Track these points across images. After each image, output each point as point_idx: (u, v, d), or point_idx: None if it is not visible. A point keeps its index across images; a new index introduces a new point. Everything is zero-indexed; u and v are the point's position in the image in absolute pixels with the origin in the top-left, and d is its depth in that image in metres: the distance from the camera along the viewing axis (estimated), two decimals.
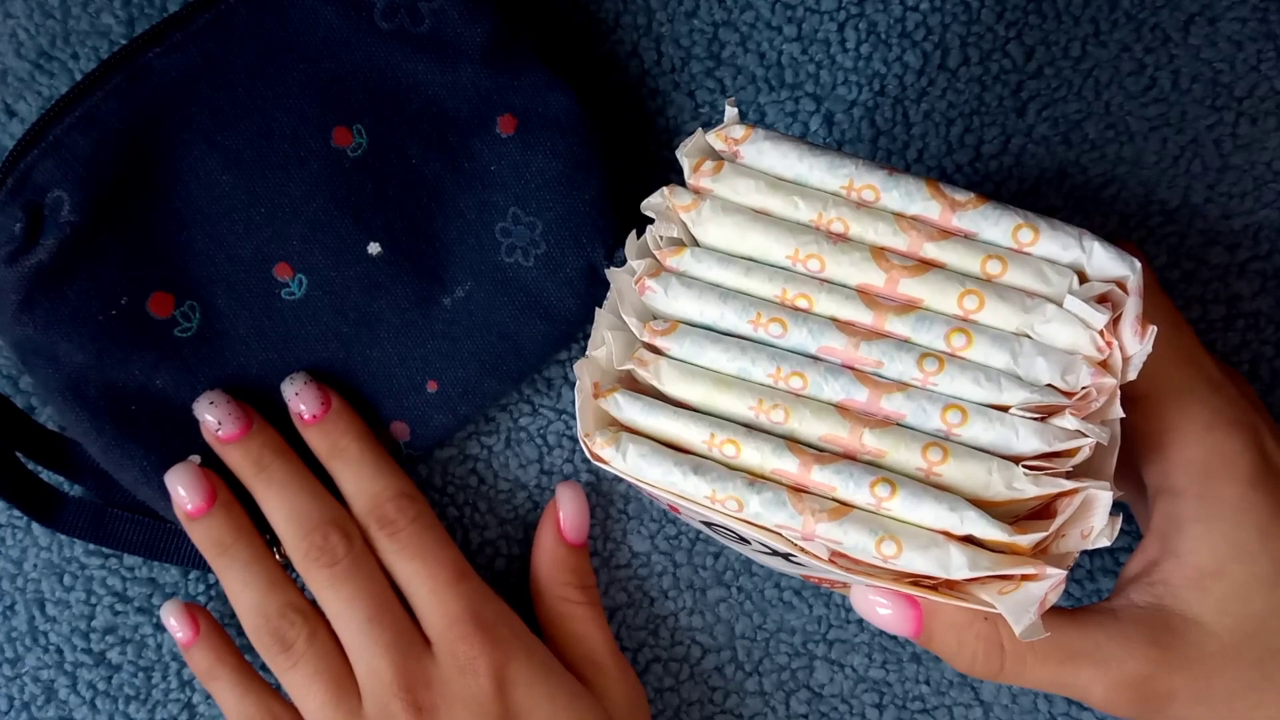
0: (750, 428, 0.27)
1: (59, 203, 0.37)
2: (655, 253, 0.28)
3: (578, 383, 0.28)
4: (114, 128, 0.37)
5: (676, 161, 0.43)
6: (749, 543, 0.29)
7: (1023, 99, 0.42)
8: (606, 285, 0.40)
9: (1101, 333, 0.26)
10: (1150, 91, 0.42)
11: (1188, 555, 0.31)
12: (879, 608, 0.30)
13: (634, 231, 0.30)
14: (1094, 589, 0.43)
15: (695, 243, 0.29)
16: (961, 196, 0.27)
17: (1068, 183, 0.42)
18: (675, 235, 0.29)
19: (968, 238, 0.27)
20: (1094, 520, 0.26)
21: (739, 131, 0.28)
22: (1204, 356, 0.34)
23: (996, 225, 0.27)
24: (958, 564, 0.25)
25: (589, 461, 0.43)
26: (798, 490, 0.26)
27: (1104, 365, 0.27)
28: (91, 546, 0.43)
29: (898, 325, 0.27)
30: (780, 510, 0.26)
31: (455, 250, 0.40)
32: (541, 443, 0.43)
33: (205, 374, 0.39)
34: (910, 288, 0.27)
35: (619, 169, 0.41)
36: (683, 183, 0.29)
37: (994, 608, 0.26)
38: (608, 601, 0.43)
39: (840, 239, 0.28)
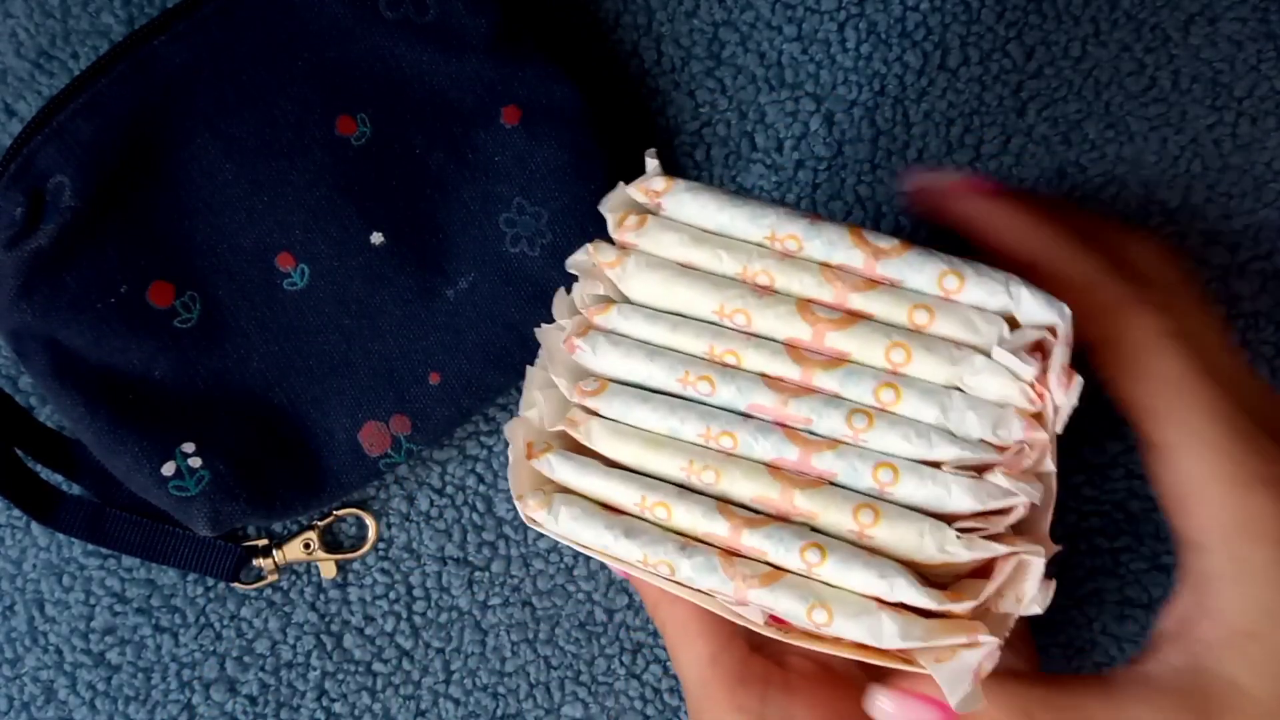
0: (683, 488, 0.27)
1: (60, 188, 0.37)
2: (583, 311, 0.28)
3: (510, 444, 0.28)
4: (117, 115, 0.37)
5: (677, 162, 0.43)
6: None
7: (1023, 99, 0.42)
8: None
9: (1032, 384, 0.26)
10: (1150, 91, 0.42)
11: (1221, 614, 0.30)
12: (883, 713, 0.28)
13: (561, 289, 0.30)
14: (1093, 588, 0.43)
15: (623, 299, 0.28)
16: (885, 244, 0.27)
17: (1068, 183, 0.42)
18: (602, 293, 0.28)
19: (893, 285, 0.27)
20: (1027, 585, 0.26)
21: (660, 184, 0.28)
22: (1229, 398, 0.31)
23: (921, 272, 0.26)
24: (889, 633, 0.25)
25: None
26: (730, 554, 0.26)
27: (1037, 417, 0.26)
28: (90, 547, 0.43)
29: (826, 380, 0.27)
30: (711, 575, 0.26)
31: (459, 241, 0.40)
32: None
33: (205, 365, 0.39)
34: (837, 341, 0.27)
35: (619, 168, 0.41)
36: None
37: (927, 671, 0.25)
38: (608, 603, 0.43)
39: (766, 291, 0.27)
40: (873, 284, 0.27)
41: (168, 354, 0.39)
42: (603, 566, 0.43)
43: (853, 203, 0.43)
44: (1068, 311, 0.26)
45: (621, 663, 0.43)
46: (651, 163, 0.29)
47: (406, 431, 0.40)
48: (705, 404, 0.27)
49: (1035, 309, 0.26)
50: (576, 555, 0.43)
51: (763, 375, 0.27)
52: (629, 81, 0.43)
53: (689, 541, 0.26)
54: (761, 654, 0.32)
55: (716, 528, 0.26)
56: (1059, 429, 0.26)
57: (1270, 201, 0.42)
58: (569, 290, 0.30)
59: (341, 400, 0.40)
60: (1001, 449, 0.26)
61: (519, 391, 0.43)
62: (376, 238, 0.40)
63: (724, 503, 0.27)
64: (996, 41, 0.42)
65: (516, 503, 0.28)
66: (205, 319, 0.39)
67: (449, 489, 0.43)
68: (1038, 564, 0.26)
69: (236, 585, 0.43)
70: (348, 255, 0.40)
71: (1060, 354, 0.26)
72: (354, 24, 0.38)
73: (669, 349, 0.28)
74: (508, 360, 0.40)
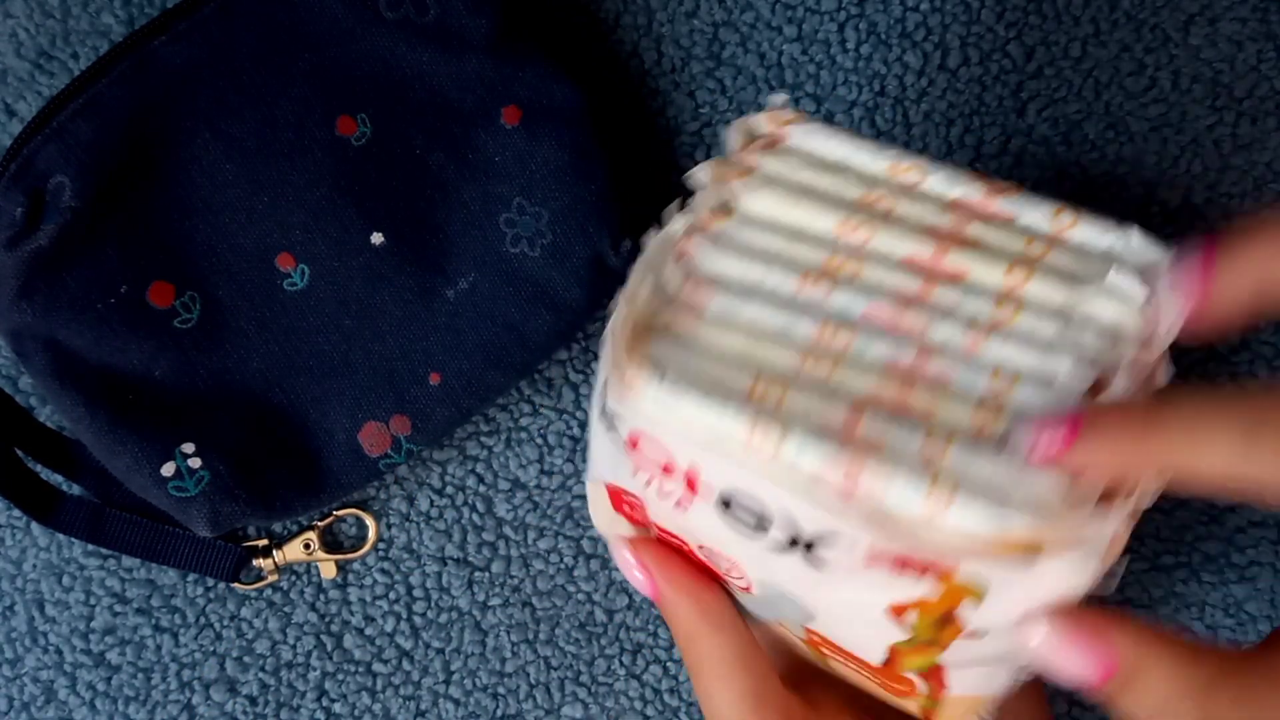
0: (793, 379, 0.26)
1: (60, 188, 0.37)
2: (701, 215, 0.28)
3: (611, 322, 0.26)
4: (118, 115, 0.37)
5: (676, 162, 0.43)
6: (762, 531, 0.26)
7: (1023, 99, 0.42)
8: (613, 275, 0.40)
9: (1143, 309, 0.26)
10: (1150, 91, 0.42)
11: None
12: (1049, 645, 0.25)
13: (675, 202, 0.29)
14: None
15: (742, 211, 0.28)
16: (1002, 183, 0.28)
17: (1068, 183, 0.42)
18: (722, 201, 0.28)
19: (1009, 220, 0.28)
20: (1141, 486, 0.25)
21: (789, 114, 0.29)
22: None
23: (1037, 209, 0.27)
24: (1017, 516, 0.23)
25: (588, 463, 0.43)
26: (844, 438, 0.25)
27: (1147, 342, 0.26)
28: (90, 547, 0.43)
29: (945, 294, 0.27)
30: (825, 443, 0.24)
31: (459, 241, 0.40)
32: (542, 443, 0.43)
33: (205, 365, 0.39)
34: (957, 260, 0.27)
35: (619, 168, 0.41)
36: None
37: (1039, 552, 0.24)
38: (608, 604, 0.43)
39: (887, 215, 0.28)
40: (990, 217, 0.28)
41: (168, 354, 0.39)
42: (603, 567, 0.43)
43: None
44: (1172, 249, 0.27)
45: (621, 663, 0.43)
46: (779, 97, 0.29)
47: (406, 432, 0.40)
48: (820, 308, 0.27)
49: (1144, 247, 0.27)
50: (576, 556, 0.43)
51: (880, 286, 0.27)
52: (629, 81, 0.43)
53: (800, 418, 0.25)
54: (797, 693, 0.31)
55: (833, 415, 0.25)
56: (1168, 340, 0.26)
57: (1270, 201, 0.42)
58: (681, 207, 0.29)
59: (341, 400, 0.40)
60: (1114, 368, 0.26)
61: (519, 391, 0.43)
62: (376, 238, 0.40)
63: (841, 394, 0.25)
64: (996, 41, 0.42)
65: (614, 371, 0.25)
66: (205, 319, 0.39)
67: (449, 489, 0.43)
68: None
69: (236, 585, 0.43)
70: (348, 255, 0.40)
71: (1166, 284, 0.26)
72: (354, 24, 0.38)
73: (785, 257, 0.27)
74: (508, 360, 0.40)
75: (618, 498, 0.30)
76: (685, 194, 0.30)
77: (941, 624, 0.27)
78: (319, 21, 0.38)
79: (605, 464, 0.29)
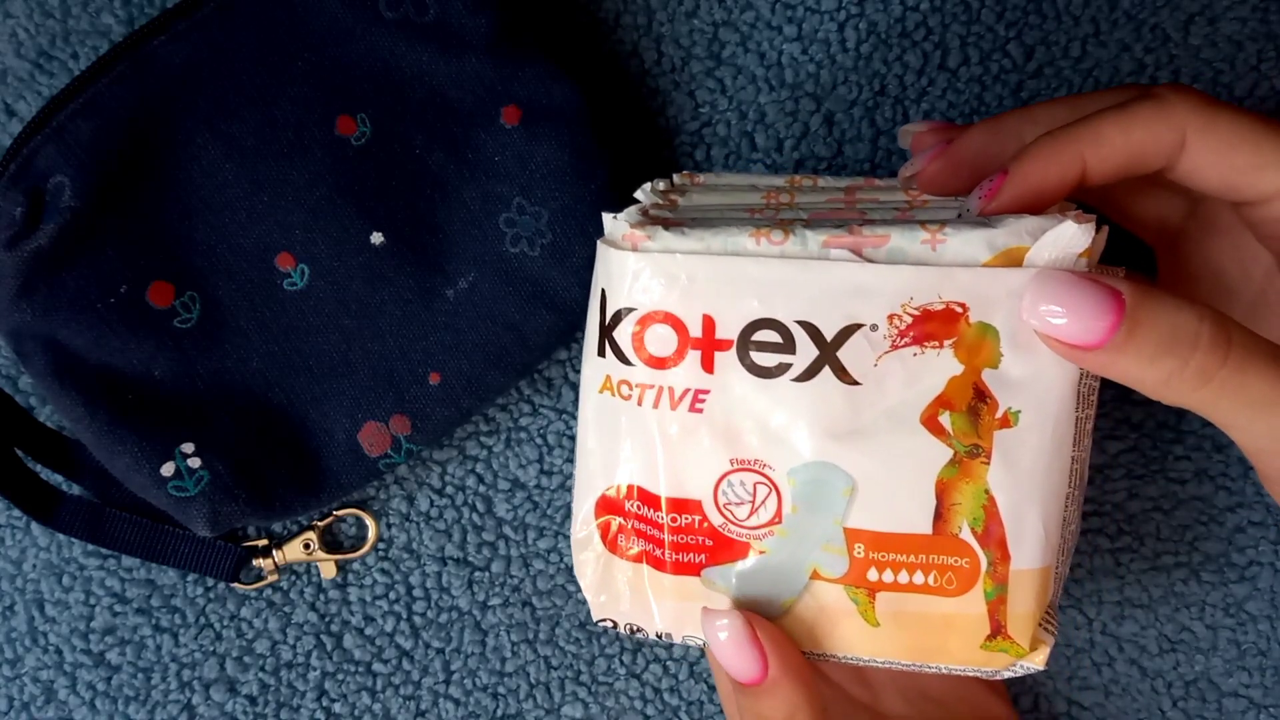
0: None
1: (60, 188, 0.37)
2: (645, 205, 0.31)
3: (604, 222, 0.29)
4: (117, 115, 0.37)
5: (676, 162, 0.43)
6: (789, 355, 0.27)
7: (1023, 99, 0.42)
8: None
9: None
10: None
11: None
12: (1053, 317, 0.25)
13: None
14: (1093, 588, 0.43)
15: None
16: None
17: None
18: (661, 203, 0.32)
19: (893, 188, 0.33)
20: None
21: (695, 174, 0.34)
22: None
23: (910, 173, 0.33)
24: (1001, 236, 0.26)
25: None
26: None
27: None
28: (90, 547, 0.43)
29: (867, 201, 0.31)
30: (825, 225, 0.27)
31: (459, 241, 0.40)
32: (541, 443, 0.43)
33: (204, 365, 0.39)
34: (867, 194, 0.32)
35: (619, 168, 0.41)
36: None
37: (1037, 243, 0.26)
38: None
39: (800, 190, 0.32)
40: (877, 188, 0.33)
41: (167, 354, 0.39)
42: None
43: None
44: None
45: (621, 663, 0.43)
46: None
47: (406, 432, 0.40)
48: (772, 216, 0.30)
49: None
50: None
51: (816, 207, 0.31)
52: (629, 81, 0.43)
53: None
54: None
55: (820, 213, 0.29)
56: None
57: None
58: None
59: (341, 400, 0.40)
60: None
61: (519, 391, 0.43)
62: (376, 238, 0.40)
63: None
64: (996, 41, 0.42)
65: (616, 247, 0.28)
66: (205, 319, 0.39)
67: (449, 489, 0.43)
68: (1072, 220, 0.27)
69: (236, 585, 0.43)
70: (348, 255, 0.40)
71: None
72: (354, 24, 0.38)
73: (733, 206, 0.31)
74: (508, 360, 0.40)
75: (608, 514, 0.30)
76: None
77: (975, 412, 0.27)
78: (319, 21, 0.38)
79: (599, 453, 0.30)
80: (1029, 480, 0.28)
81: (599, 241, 0.29)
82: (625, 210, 0.30)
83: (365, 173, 0.39)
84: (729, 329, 0.27)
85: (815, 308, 0.27)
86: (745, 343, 0.28)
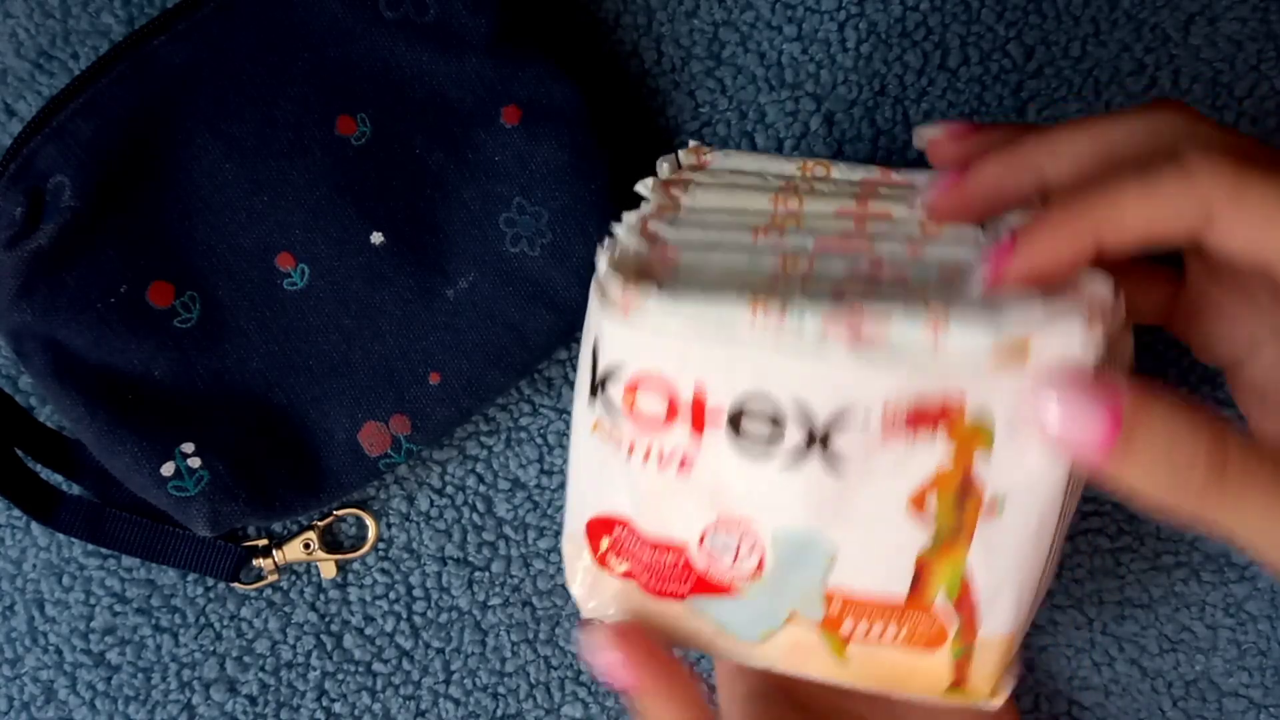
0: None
1: (60, 188, 0.37)
2: (651, 208, 0.31)
3: (595, 277, 0.28)
4: (117, 115, 0.37)
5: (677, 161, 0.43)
6: (778, 438, 0.27)
7: (1023, 99, 0.42)
8: None
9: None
10: (1150, 91, 0.42)
11: None
12: (1049, 420, 0.24)
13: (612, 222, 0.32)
14: (1092, 588, 0.43)
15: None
16: (894, 167, 0.33)
17: None
18: (665, 202, 0.31)
19: (908, 185, 0.32)
20: (1096, 288, 0.26)
21: (708, 149, 0.34)
22: None
23: (928, 174, 0.32)
24: (1009, 319, 0.25)
25: None
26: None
27: None
28: (90, 547, 0.43)
29: (878, 225, 0.30)
30: (824, 301, 0.26)
31: (459, 241, 0.40)
32: (542, 442, 0.43)
33: (204, 365, 0.39)
34: (879, 205, 0.31)
35: (619, 168, 0.41)
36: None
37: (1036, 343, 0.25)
38: None
39: (810, 190, 0.32)
40: (892, 184, 0.32)
41: (167, 354, 0.39)
42: None
43: None
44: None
45: None
46: (693, 143, 0.35)
47: (406, 431, 0.40)
48: (776, 247, 0.29)
49: None
50: None
51: (823, 229, 0.30)
52: (629, 81, 0.43)
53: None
54: None
55: (821, 291, 0.27)
56: None
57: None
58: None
59: (341, 400, 0.40)
60: None
61: (519, 391, 0.43)
62: (376, 238, 0.40)
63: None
64: (996, 41, 0.42)
65: (610, 291, 0.27)
66: (205, 319, 0.39)
67: (449, 489, 0.43)
68: (1096, 274, 0.26)
69: (236, 585, 0.43)
70: (348, 255, 0.40)
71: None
72: (354, 24, 0.38)
73: (737, 222, 0.30)
74: (508, 360, 0.40)
75: (599, 534, 0.30)
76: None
77: (961, 498, 0.27)
78: (319, 21, 0.38)
79: (590, 482, 0.30)
80: (1006, 564, 0.28)
81: (594, 282, 0.28)
82: (623, 233, 0.29)
83: (365, 173, 0.39)
84: (720, 399, 0.27)
85: (809, 391, 0.26)
86: (736, 415, 0.27)
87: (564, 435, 0.43)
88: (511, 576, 0.43)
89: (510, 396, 0.43)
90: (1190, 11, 0.42)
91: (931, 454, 0.26)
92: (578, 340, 0.43)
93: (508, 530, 0.43)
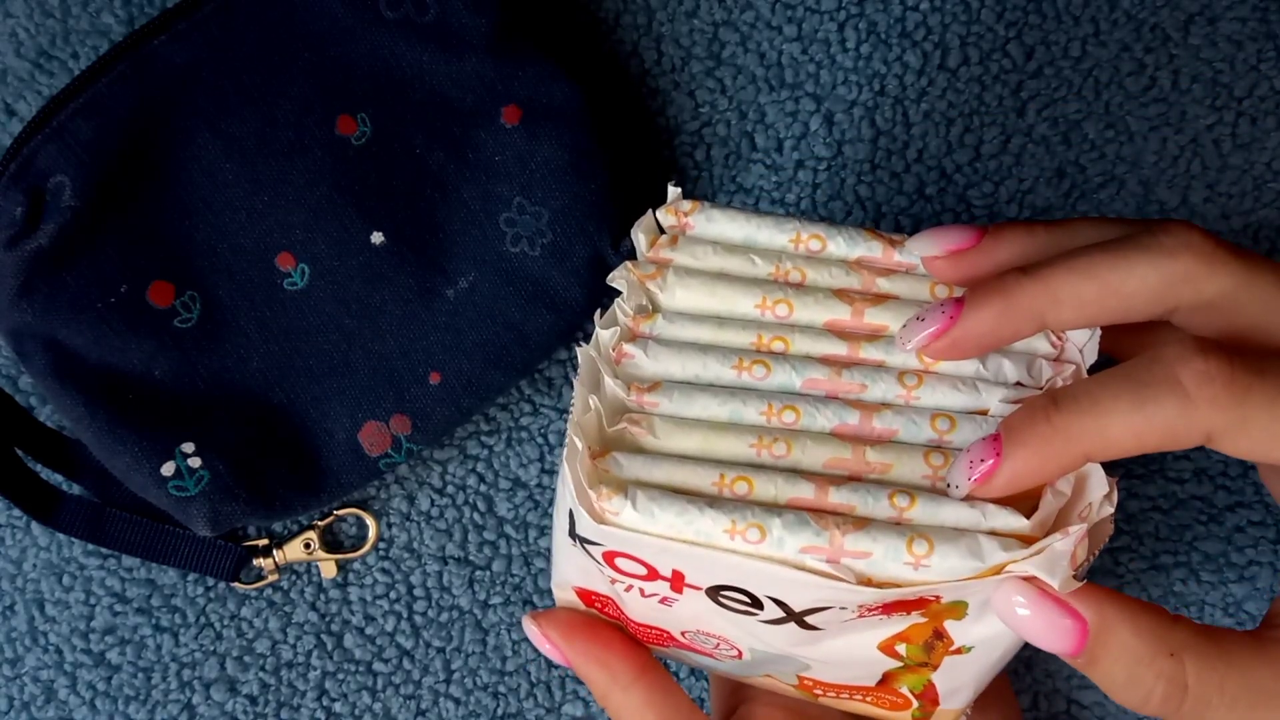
0: (756, 466, 0.27)
1: (60, 188, 0.37)
2: (627, 322, 0.29)
3: (568, 447, 0.27)
4: (118, 115, 0.37)
5: (677, 161, 0.43)
6: (756, 610, 0.28)
7: (1023, 99, 0.42)
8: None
9: (1050, 332, 0.28)
10: (1150, 91, 0.42)
11: None
12: (1017, 606, 0.25)
13: (599, 309, 0.30)
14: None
15: (664, 309, 0.30)
16: (897, 236, 0.30)
17: (1067, 183, 0.42)
18: (643, 303, 0.29)
19: (910, 270, 0.30)
20: (1092, 488, 0.26)
21: (687, 205, 0.30)
22: None
23: (926, 249, 0.29)
24: (989, 551, 0.25)
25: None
26: (818, 512, 0.26)
27: (1058, 360, 0.29)
28: (90, 547, 0.43)
29: (871, 351, 0.28)
30: (805, 530, 0.25)
31: (459, 240, 0.40)
32: (543, 442, 0.43)
33: (205, 365, 0.39)
34: (875, 316, 0.29)
35: (619, 168, 0.41)
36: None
37: (1013, 573, 0.25)
38: None
39: (800, 285, 0.29)
40: (892, 270, 0.30)
41: (168, 354, 0.39)
42: None
43: (852, 203, 0.43)
44: None
45: None
46: (674, 190, 0.30)
47: (406, 431, 0.40)
48: (761, 388, 0.28)
49: None
50: None
51: (811, 355, 0.29)
52: (629, 81, 0.43)
53: (773, 507, 0.26)
54: None
55: (801, 491, 0.26)
56: (1092, 359, 0.28)
57: (1270, 201, 0.42)
58: (603, 310, 0.30)
59: (341, 400, 0.40)
60: (1038, 387, 0.28)
61: (520, 391, 0.43)
62: (377, 237, 0.40)
63: (802, 471, 0.27)
64: (996, 41, 0.42)
65: (582, 503, 0.26)
66: (205, 319, 0.39)
67: (449, 489, 0.43)
68: (1097, 472, 0.26)
69: (236, 585, 0.43)
70: (348, 255, 0.40)
71: None
72: (354, 23, 0.38)
73: (717, 345, 0.29)
74: (508, 360, 0.40)
75: (588, 597, 0.31)
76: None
77: (930, 645, 0.28)
78: (319, 21, 0.38)
79: (575, 572, 0.30)
80: (969, 678, 0.29)
81: (564, 461, 0.27)
82: (598, 362, 0.28)
83: (365, 172, 0.39)
84: (699, 581, 0.27)
85: (785, 593, 0.26)
86: (715, 591, 0.27)
87: (565, 434, 0.43)
88: (512, 575, 0.43)
89: (511, 396, 0.43)
90: (1190, 11, 0.42)
91: (904, 621, 0.27)
92: (578, 340, 0.43)
93: (509, 529, 0.43)
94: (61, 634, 0.43)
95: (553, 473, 0.43)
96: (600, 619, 0.32)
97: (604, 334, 0.29)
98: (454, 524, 0.43)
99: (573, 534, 0.27)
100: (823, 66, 0.42)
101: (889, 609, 0.27)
